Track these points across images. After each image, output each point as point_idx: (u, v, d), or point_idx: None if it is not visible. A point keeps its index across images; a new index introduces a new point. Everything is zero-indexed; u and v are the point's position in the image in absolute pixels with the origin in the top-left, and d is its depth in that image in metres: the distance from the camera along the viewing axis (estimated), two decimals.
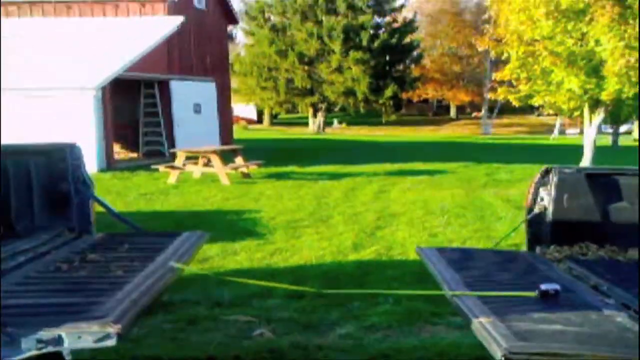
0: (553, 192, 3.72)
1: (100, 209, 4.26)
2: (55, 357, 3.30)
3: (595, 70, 15.05)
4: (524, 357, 2.00)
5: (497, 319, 2.31)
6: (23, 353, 2.07)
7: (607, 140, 33.81)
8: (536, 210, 3.78)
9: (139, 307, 2.40)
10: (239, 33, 48.78)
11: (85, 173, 3.82)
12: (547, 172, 3.86)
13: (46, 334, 2.09)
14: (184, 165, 13.94)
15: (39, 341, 2.07)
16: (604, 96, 15.07)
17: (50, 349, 2.10)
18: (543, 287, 2.69)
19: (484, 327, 2.25)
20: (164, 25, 19.45)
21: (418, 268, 5.94)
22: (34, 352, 2.09)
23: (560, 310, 2.49)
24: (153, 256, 3.18)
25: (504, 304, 2.55)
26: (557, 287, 2.71)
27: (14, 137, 9.18)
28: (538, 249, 3.71)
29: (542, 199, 3.78)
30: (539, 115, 48.89)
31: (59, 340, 2.09)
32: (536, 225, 3.78)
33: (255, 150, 18.21)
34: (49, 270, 3.03)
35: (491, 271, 3.14)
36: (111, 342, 2.11)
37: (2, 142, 3.66)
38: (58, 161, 3.76)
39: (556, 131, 42.86)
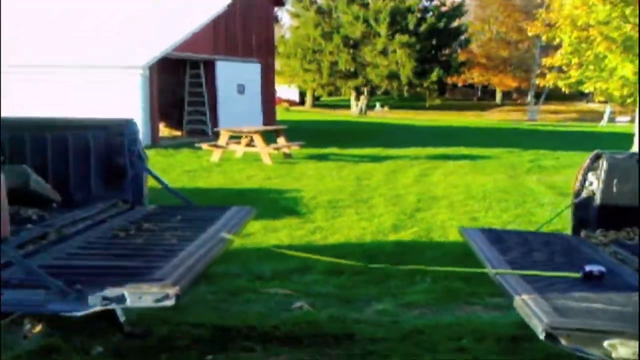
0: (603, 177, 3.70)
1: (152, 182, 4.40)
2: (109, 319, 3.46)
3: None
4: (564, 332, 2.02)
5: (540, 297, 2.33)
6: (90, 308, 2.22)
7: None
8: (584, 194, 3.76)
9: (194, 273, 2.51)
10: (284, 15, 48.82)
11: (141, 147, 3.96)
12: (597, 157, 3.84)
13: (111, 292, 2.23)
14: (227, 144, 14.12)
15: (104, 298, 2.21)
16: None
17: (114, 305, 2.23)
18: (587, 268, 2.70)
19: (526, 304, 2.27)
20: (211, 5, 19.62)
21: (457, 250, 5.97)
22: (99, 308, 2.23)
23: (604, 291, 2.50)
24: (204, 227, 3.30)
25: (547, 283, 2.56)
26: (602, 268, 2.71)
27: (63, 112, 9.47)
28: (583, 233, 3.70)
29: (590, 184, 3.77)
30: (588, 102, 47.79)
31: (122, 299, 2.23)
32: (583, 210, 3.77)
33: (297, 132, 18.31)
34: (107, 237, 3.18)
35: (535, 252, 3.15)
36: (170, 303, 2.23)
37: (63, 116, 3.82)
38: (115, 135, 3.91)
39: (605, 118, 41.80)
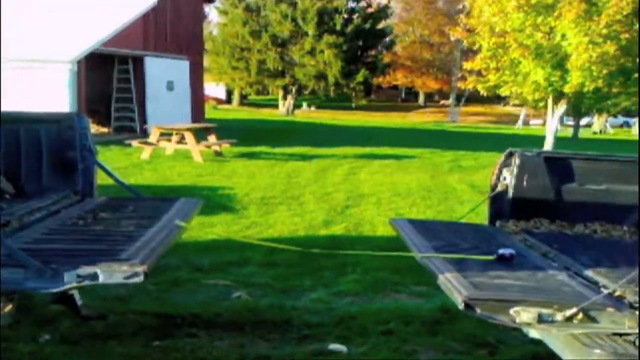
0: (515, 172, 4.16)
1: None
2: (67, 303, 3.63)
3: (560, 63, 15.70)
4: (479, 302, 2.41)
5: (459, 275, 2.72)
6: (65, 285, 2.44)
7: (568, 132, 34.80)
8: (499, 188, 4.22)
9: (157, 254, 2.77)
10: (212, 12, 48.51)
11: (91, 141, 4.14)
12: (510, 155, 4.30)
13: (84, 270, 2.46)
14: (157, 141, 14.14)
15: (79, 276, 2.44)
16: (567, 89, 15.75)
17: (87, 283, 2.46)
18: (500, 251, 3.12)
19: (448, 281, 2.65)
20: (141, 1, 19.46)
21: (385, 243, 6.40)
22: (74, 285, 2.45)
23: (513, 270, 2.92)
24: (158, 215, 3.54)
25: (466, 264, 2.95)
26: (512, 251, 3.13)
27: None
28: (498, 223, 4.15)
29: (504, 179, 4.22)
30: (505, 105, 49.82)
31: (95, 276, 2.46)
32: (498, 202, 4.22)
33: (226, 130, 18.44)
34: (67, 224, 3.37)
35: (456, 239, 3.55)
36: (139, 279, 2.49)
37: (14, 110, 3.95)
38: (66, 129, 4.06)
39: (520, 121, 43.81)
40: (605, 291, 2.54)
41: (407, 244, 3.45)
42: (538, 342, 2.76)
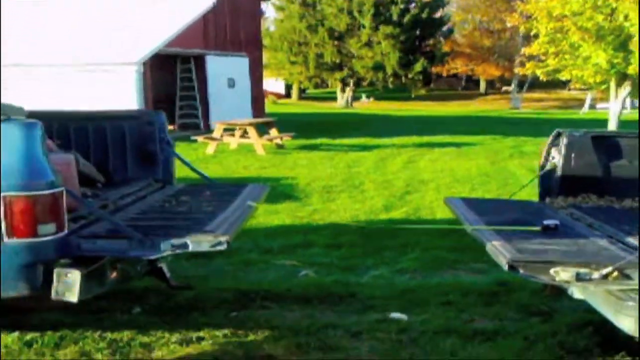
0: (563, 151, 4.38)
1: None
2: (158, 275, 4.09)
3: (623, 45, 15.43)
4: (521, 264, 2.69)
5: (506, 243, 2.99)
6: (162, 252, 2.87)
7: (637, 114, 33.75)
8: (548, 167, 4.44)
9: (236, 227, 3.17)
10: (269, 8, 49.22)
11: (168, 134, 4.62)
12: (558, 135, 4.51)
13: (177, 240, 2.89)
14: (221, 136, 14.71)
15: (172, 245, 2.86)
16: (631, 70, 15.47)
17: (179, 250, 2.88)
18: (545, 222, 3.36)
19: (495, 247, 2.93)
20: (200, 2, 20.13)
21: (444, 226, 6.64)
22: (169, 252, 2.89)
23: (557, 238, 3.17)
24: (232, 199, 3.96)
25: (513, 235, 3.22)
26: (557, 222, 3.38)
27: (63, 106, 10.00)
28: (547, 199, 4.37)
29: (553, 158, 4.44)
30: (570, 89, 48.65)
31: (185, 245, 2.88)
32: (547, 180, 4.44)
33: (286, 123, 18.91)
34: (155, 206, 3.84)
35: (506, 214, 3.80)
36: (222, 247, 2.90)
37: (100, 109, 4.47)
38: (146, 124, 4.54)
39: (587, 105, 42.68)
40: (636, 253, 2.78)
41: (461, 220, 3.73)
42: (590, 310, 3.00)
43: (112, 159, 4.52)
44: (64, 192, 2.88)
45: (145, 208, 3.77)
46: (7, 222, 2.69)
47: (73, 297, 2.80)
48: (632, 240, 3.11)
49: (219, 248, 2.89)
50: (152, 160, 4.51)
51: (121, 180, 4.35)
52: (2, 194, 2.70)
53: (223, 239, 2.89)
